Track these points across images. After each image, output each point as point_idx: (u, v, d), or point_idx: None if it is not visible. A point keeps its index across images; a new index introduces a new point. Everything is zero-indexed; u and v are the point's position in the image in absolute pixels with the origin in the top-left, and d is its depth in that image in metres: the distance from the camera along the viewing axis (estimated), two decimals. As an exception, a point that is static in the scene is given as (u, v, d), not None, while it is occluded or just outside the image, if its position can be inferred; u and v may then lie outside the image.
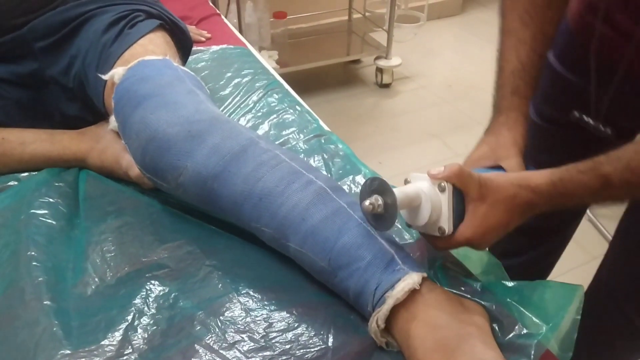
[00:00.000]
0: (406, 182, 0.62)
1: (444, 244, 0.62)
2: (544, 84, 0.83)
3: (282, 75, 1.24)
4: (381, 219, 0.58)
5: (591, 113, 0.78)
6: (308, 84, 2.56)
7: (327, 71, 2.73)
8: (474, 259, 0.71)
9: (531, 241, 1.08)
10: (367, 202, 0.57)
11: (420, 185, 0.60)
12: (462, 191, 0.59)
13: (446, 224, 0.59)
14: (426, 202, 0.59)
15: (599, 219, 1.75)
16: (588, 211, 1.80)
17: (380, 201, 0.56)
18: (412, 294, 0.56)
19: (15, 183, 0.82)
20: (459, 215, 0.60)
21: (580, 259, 1.01)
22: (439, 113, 2.43)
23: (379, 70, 2.57)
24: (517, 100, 0.73)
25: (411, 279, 0.56)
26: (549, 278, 1.18)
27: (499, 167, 0.71)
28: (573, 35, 0.81)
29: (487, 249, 0.65)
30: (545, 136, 0.92)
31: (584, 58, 0.77)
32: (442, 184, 0.59)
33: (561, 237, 1.10)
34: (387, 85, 2.60)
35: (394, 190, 0.57)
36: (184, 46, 0.96)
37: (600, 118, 0.78)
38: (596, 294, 0.93)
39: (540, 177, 0.59)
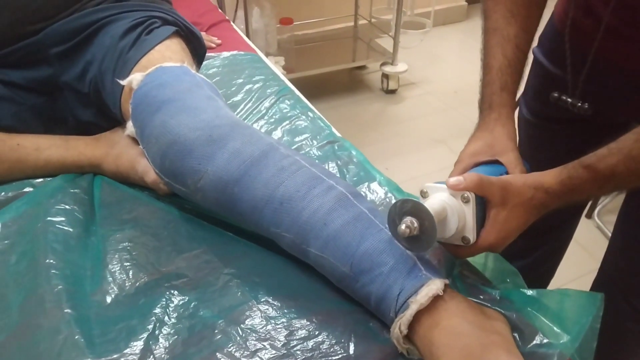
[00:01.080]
0: (423, 193, 0.62)
1: (466, 252, 0.62)
2: (534, 82, 0.86)
3: (289, 81, 1.24)
4: (417, 241, 0.56)
5: (569, 93, 0.80)
6: (314, 89, 2.56)
7: (333, 77, 2.73)
8: (491, 267, 0.71)
9: (535, 242, 1.08)
10: (403, 226, 0.54)
11: (443, 198, 0.59)
12: (483, 198, 0.60)
13: (471, 233, 0.59)
14: (452, 214, 0.58)
15: (607, 226, 1.75)
16: (597, 218, 1.80)
17: (416, 224, 0.55)
18: (435, 300, 0.55)
19: (31, 189, 0.81)
20: (480, 223, 0.61)
21: (590, 266, 1.02)
22: (444, 119, 2.43)
23: (385, 76, 2.57)
24: (506, 96, 0.74)
25: (435, 285, 0.56)
26: (553, 280, 1.19)
27: (496, 162, 0.71)
28: (558, 32, 0.83)
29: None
30: (539, 133, 0.93)
31: (571, 53, 0.80)
32: (466, 195, 0.58)
33: (564, 236, 1.12)
34: (393, 91, 2.60)
35: (426, 205, 0.55)
36: (198, 53, 0.96)
37: (577, 96, 0.80)
38: (601, 289, 0.93)
39: (551, 177, 0.61)
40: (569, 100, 0.80)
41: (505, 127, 0.73)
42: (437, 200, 0.59)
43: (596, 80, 0.79)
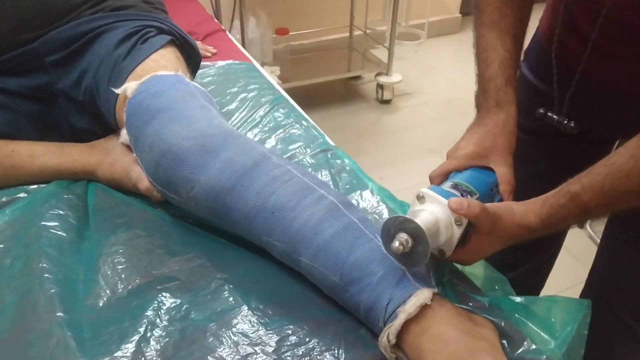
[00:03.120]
0: (419, 198, 0.62)
1: (435, 260, 0.65)
2: (520, 97, 0.85)
3: (284, 91, 1.25)
4: (411, 257, 0.57)
5: (555, 110, 0.81)
6: (309, 99, 2.58)
7: (328, 87, 2.75)
8: (481, 275, 0.72)
9: (524, 255, 1.09)
10: (396, 244, 0.54)
11: (437, 213, 0.59)
12: (473, 224, 0.61)
13: (449, 250, 0.61)
14: (442, 231, 0.59)
15: (599, 236, 1.75)
16: (589, 228, 1.81)
17: (409, 240, 0.55)
18: (423, 309, 0.56)
19: (25, 195, 0.82)
20: (460, 240, 0.62)
21: (582, 276, 1.03)
22: (438, 129, 2.45)
23: (380, 86, 2.59)
24: (511, 91, 0.74)
25: (423, 295, 0.57)
26: (545, 289, 1.19)
27: (489, 169, 0.71)
28: (544, 48, 0.83)
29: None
30: (525, 148, 0.94)
31: (557, 69, 0.80)
32: (461, 220, 0.59)
33: (553, 248, 1.13)
34: (387, 102, 2.62)
35: (416, 220, 0.55)
36: (193, 62, 0.97)
37: (563, 113, 0.81)
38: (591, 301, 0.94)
39: (533, 217, 0.62)
40: (555, 117, 0.80)
41: (512, 136, 0.73)
42: (431, 215, 0.58)
43: (582, 97, 0.79)
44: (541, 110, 0.81)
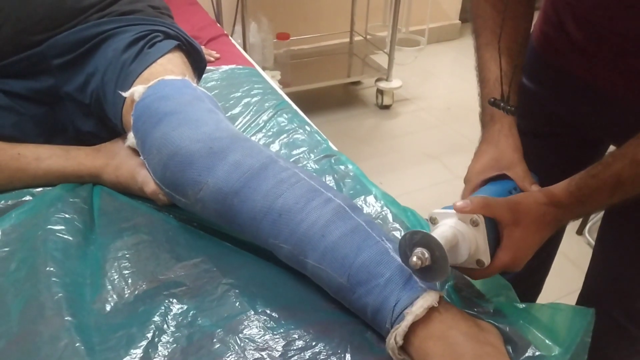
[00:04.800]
0: (432, 220, 0.62)
1: (481, 274, 0.63)
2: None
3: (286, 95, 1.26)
4: (430, 271, 0.56)
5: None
6: (309, 104, 2.58)
7: (328, 92, 2.76)
8: (485, 281, 0.72)
9: None
10: (414, 259, 0.54)
11: (451, 224, 0.59)
12: (494, 220, 0.60)
13: (484, 256, 0.60)
14: (463, 240, 0.59)
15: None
16: (587, 235, 1.82)
17: (427, 254, 0.54)
18: (430, 312, 0.57)
19: (30, 198, 0.82)
20: (493, 244, 0.61)
21: (581, 282, 1.04)
22: (438, 135, 2.46)
23: (380, 92, 2.60)
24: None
25: (430, 297, 0.57)
26: (545, 295, 1.20)
27: (505, 177, 0.72)
28: (537, 52, 0.87)
29: None
30: (525, 149, 0.95)
31: (546, 70, 0.84)
32: (474, 218, 0.59)
33: (549, 248, 1.13)
34: (387, 107, 2.63)
35: (435, 236, 0.55)
36: (198, 66, 0.98)
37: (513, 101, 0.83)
38: (585, 302, 0.95)
39: (560, 191, 0.62)
40: (502, 104, 0.81)
41: (509, 138, 0.74)
42: (447, 227, 0.58)
43: (569, 97, 0.82)
44: (492, 99, 0.81)
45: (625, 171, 0.59)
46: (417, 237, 0.55)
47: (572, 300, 0.97)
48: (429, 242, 0.55)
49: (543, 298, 1.22)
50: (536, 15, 0.88)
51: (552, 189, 0.63)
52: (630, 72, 0.72)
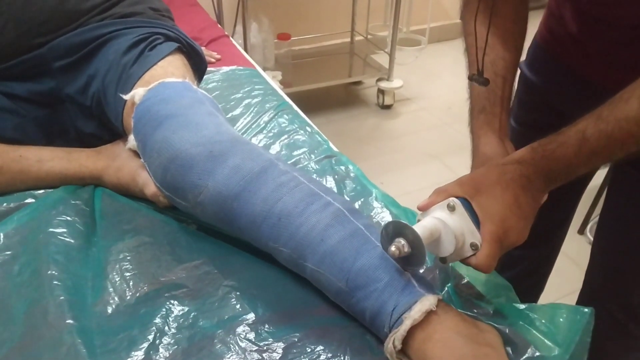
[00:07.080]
0: (418, 221, 0.63)
1: (482, 258, 0.60)
2: (518, 92, 0.92)
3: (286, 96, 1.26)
4: (410, 258, 0.58)
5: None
6: (310, 104, 2.58)
7: (329, 92, 2.76)
8: (484, 281, 0.73)
9: (521, 253, 1.10)
10: (392, 248, 0.56)
11: (433, 216, 0.60)
12: (469, 203, 0.60)
13: (475, 237, 0.60)
14: (445, 227, 0.59)
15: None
16: (589, 234, 1.82)
17: (403, 242, 0.56)
18: (428, 315, 0.57)
19: (32, 200, 0.82)
20: (478, 224, 0.60)
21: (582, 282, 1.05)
22: (439, 134, 2.46)
23: (381, 91, 2.60)
24: (483, 117, 0.82)
25: (428, 301, 0.57)
26: (546, 295, 1.21)
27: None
28: (540, 46, 0.90)
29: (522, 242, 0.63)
30: (523, 140, 0.96)
31: (548, 64, 0.87)
32: (451, 204, 0.60)
33: (550, 247, 1.14)
34: (388, 107, 2.63)
35: (413, 226, 0.57)
36: (199, 68, 0.98)
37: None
38: (585, 299, 0.97)
39: (521, 150, 0.63)
40: (476, 76, 0.83)
41: (479, 153, 0.77)
42: (427, 218, 0.60)
43: (566, 89, 0.84)
44: (471, 74, 0.84)
45: (590, 127, 0.59)
46: (394, 228, 0.57)
47: (573, 299, 0.97)
48: (405, 232, 0.57)
49: (545, 297, 1.22)
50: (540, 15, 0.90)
51: (516, 151, 0.64)
52: (623, 65, 0.73)
